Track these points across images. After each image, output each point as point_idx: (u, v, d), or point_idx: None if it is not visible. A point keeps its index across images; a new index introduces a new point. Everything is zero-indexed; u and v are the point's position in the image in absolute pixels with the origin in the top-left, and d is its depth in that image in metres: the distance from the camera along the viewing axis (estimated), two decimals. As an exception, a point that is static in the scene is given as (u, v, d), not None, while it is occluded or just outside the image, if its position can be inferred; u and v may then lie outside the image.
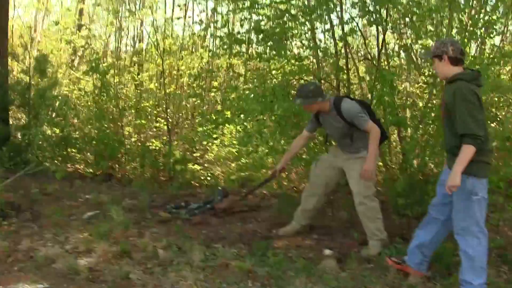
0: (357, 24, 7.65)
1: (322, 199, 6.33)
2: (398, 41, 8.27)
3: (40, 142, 9.86)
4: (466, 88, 4.32)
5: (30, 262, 5.22)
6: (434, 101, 7.08)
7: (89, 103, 10.80)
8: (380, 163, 7.64)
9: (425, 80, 7.72)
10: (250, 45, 8.96)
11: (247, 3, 7.80)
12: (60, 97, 10.63)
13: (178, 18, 13.24)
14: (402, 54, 8.99)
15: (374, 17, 7.16)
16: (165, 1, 14.92)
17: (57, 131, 10.14)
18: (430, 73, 7.42)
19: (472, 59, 6.47)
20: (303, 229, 6.42)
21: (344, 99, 5.89)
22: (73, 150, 10.23)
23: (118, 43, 14.69)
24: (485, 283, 4.53)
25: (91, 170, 9.84)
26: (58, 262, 5.11)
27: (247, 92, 7.51)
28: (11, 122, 10.37)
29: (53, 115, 10.31)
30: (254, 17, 8.11)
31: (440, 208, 4.76)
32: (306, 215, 6.38)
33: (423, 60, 8.21)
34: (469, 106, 4.26)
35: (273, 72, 8.31)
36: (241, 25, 8.72)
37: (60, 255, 5.28)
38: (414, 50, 8.40)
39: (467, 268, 4.47)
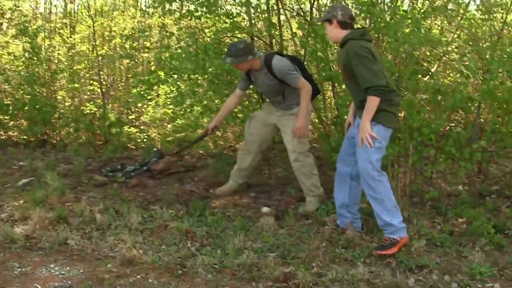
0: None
1: (257, 157, 6.41)
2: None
3: (-30, 109, 9.61)
4: (357, 45, 4.56)
5: (-36, 232, 5.17)
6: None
7: (19, 68, 10.53)
8: (316, 119, 7.76)
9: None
10: (182, 3, 8.86)
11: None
12: (-12, 63, 10.35)
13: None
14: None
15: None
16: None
17: (-13, 98, 9.90)
18: (362, 27, 7.54)
19: (404, 13, 6.59)
20: (241, 188, 6.51)
21: (274, 56, 5.90)
22: (5, 116, 10.01)
23: (48, 4, 14.29)
24: (402, 221, 4.77)
25: (24, 137, 9.66)
26: (-7, 231, 5.06)
27: (179, 51, 7.43)
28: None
29: (-19, 82, 10.04)
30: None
31: (347, 159, 4.95)
32: (243, 174, 6.45)
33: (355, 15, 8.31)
34: (363, 61, 4.49)
35: (205, 30, 8.28)
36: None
37: (-5, 224, 5.23)
38: (346, 4, 8.49)
39: (382, 211, 4.69)
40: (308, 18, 7.67)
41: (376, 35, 6.83)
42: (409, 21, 6.50)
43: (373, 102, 4.46)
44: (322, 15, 4.90)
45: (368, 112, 4.50)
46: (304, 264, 4.46)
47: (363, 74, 4.47)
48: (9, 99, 10.25)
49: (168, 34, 9.23)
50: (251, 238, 5.08)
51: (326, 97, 8.16)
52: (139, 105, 10.60)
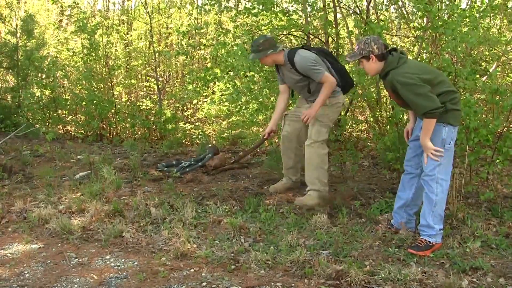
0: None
1: (299, 152, 6.30)
2: (387, -6, 8.21)
3: (30, 104, 9.83)
4: (400, 74, 4.46)
5: (23, 223, 5.28)
6: (424, 55, 7.06)
7: (78, 64, 10.72)
8: (371, 118, 7.65)
9: (415, 34, 7.69)
10: (238, 0, 8.87)
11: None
12: (48, 58, 10.57)
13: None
14: (391, 8, 8.95)
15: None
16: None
17: (47, 92, 10.11)
18: (419, 25, 7.40)
19: (462, 12, 6.44)
20: (294, 185, 6.44)
21: (298, 50, 5.81)
22: (64, 111, 10.21)
23: (106, 1, 14.53)
24: (442, 229, 4.69)
25: (82, 131, 9.84)
26: (51, 222, 5.15)
27: (235, 48, 7.43)
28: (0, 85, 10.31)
29: (42, 77, 10.25)
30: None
31: (415, 160, 4.85)
32: (292, 172, 6.37)
33: (412, 13, 8.18)
34: (410, 88, 4.40)
35: (262, 27, 8.26)
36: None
37: (53, 215, 5.32)
38: (404, 3, 8.36)
39: (429, 212, 4.62)
40: (365, 16, 7.57)
41: (433, 34, 6.70)
42: (467, 20, 6.35)
43: (430, 124, 4.43)
44: (354, 51, 4.79)
45: (427, 132, 4.47)
46: (357, 262, 4.38)
47: (415, 102, 4.42)
48: (68, 94, 10.45)
49: (224, 31, 9.25)
50: (304, 235, 5.02)
51: (382, 96, 8.04)
52: (195, 101, 10.67)
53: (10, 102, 10.26)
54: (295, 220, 5.30)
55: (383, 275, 4.13)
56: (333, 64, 5.81)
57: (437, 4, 6.89)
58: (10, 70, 10.48)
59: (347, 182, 6.50)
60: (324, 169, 5.83)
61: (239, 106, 8.21)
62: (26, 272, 4.25)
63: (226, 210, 5.62)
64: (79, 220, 5.27)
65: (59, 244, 4.79)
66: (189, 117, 10.88)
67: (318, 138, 5.76)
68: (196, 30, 10.59)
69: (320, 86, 5.67)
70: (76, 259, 4.48)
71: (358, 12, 8.17)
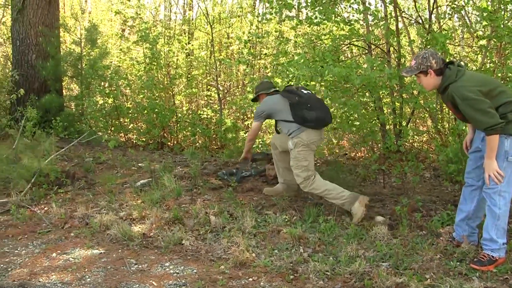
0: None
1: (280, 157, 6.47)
2: (450, 3, 8.02)
3: (93, 112, 10.01)
4: (459, 88, 4.33)
5: (85, 228, 5.37)
6: (488, 65, 6.88)
7: (140, 73, 10.88)
8: (432, 129, 7.50)
9: (479, 43, 7.51)
10: (298, 10, 8.84)
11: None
12: (111, 67, 10.75)
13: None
14: (455, 17, 8.77)
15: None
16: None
17: (109, 100, 10.28)
18: (483, 34, 7.23)
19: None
20: (289, 189, 6.42)
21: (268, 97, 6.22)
22: (126, 119, 10.35)
23: (168, 11, 14.72)
24: (505, 243, 4.51)
25: (143, 139, 9.95)
26: (112, 228, 5.22)
27: (296, 57, 7.40)
28: (64, 93, 10.53)
29: (105, 85, 10.43)
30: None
31: (476, 172, 4.71)
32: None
33: (476, 22, 8.00)
34: (470, 103, 4.27)
35: (322, 37, 8.20)
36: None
37: (114, 221, 5.39)
38: (467, 12, 8.19)
39: (491, 225, 4.46)
40: (427, 26, 7.43)
41: (498, 43, 6.52)
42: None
43: (493, 141, 4.28)
44: (411, 66, 4.67)
45: (491, 150, 4.31)
46: (417, 275, 4.27)
47: (475, 117, 4.28)
48: (130, 102, 10.59)
49: (285, 40, 9.23)
50: (364, 246, 4.93)
51: (444, 107, 7.86)
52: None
53: (74, 110, 10.46)
54: (355, 231, 5.21)
55: (444, 289, 4.02)
56: (300, 105, 5.80)
57: (502, 13, 6.71)
58: (74, 78, 10.70)
59: (408, 193, 6.37)
60: (330, 190, 5.75)
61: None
62: (87, 276, 4.30)
63: (286, 220, 5.57)
64: (139, 227, 5.32)
65: (120, 250, 4.84)
66: (249, 126, 10.88)
67: (300, 180, 5.81)
68: (257, 39, 10.61)
69: (280, 123, 6.04)
70: (136, 265, 4.51)
71: (421, 21, 8.02)
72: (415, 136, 8.85)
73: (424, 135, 8.84)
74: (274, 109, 5.94)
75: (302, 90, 5.91)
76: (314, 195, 6.17)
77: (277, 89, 6.28)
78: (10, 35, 10.77)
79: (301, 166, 5.73)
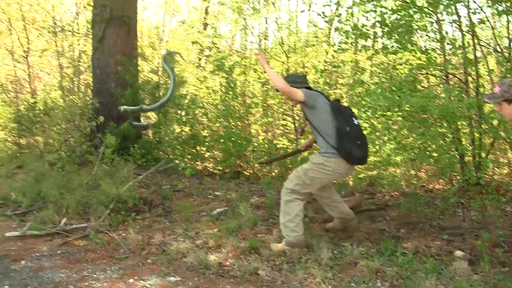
0: (485, 14, 7.30)
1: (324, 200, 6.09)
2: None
3: (170, 140, 10.14)
4: None
5: (162, 255, 5.38)
6: None
7: (216, 102, 10.98)
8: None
9: None
10: (375, 39, 8.77)
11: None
12: (188, 96, 10.89)
13: (302, 11, 13.22)
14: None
15: (503, 6, 6.77)
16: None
17: (186, 129, 10.40)
18: None
19: None
20: (345, 222, 6.19)
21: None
22: (202, 148, 10.44)
23: (243, 40, 14.87)
24: None
25: (219, 168, 10.00)
26: (189, 256, 5.24)
27: (372, 87, 7.31)
28: (142, 121, 10.72)
29: (182, 114, 10.56)
30: (379, 9, 7.88)
31: None
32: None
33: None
34: None
35: (398, 66, 8.09)
36: (366, 18, 8.54)
37: (191, 249, 5.41)
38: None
39: None
40: (507, 54, 7.21)
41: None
42: None
43: None
44: (494, 92, 4.46)
45: None
46: (498, 313, 4.10)
47: None
48: (206, 131, 10.69)
49: (361, 69, 9.15)
50: (443, 282, 4.74)
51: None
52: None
53: (151, 137, 10.63)
54: (434, 266, 5.02)
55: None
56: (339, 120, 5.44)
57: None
58: (152, 107, 10.89)
59: (489, 228, 6.14)
60: (291, 216, 5.50)
61: (376, 147, 8.03)
62: (164, 304, 4.30)
63: (363, 252, 5.44)
64: (215, 256, 5.30)
65: (196, 278, 4.82)
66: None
67: (287, 184, 5.56)
68: (333, 69, 10.56)
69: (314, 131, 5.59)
70: (212, 295, 4.48)
71: (500, 50, 7.79)
72: (495, 169, 8.57)
73: (504, 167, 8.55)
74: (321, 111, 5.52)
75: (353, 118, 5.49)
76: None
77: (310, 86, 5.90)
78: (90, 63, 11.09)
79: (301, 181, 5.51)
